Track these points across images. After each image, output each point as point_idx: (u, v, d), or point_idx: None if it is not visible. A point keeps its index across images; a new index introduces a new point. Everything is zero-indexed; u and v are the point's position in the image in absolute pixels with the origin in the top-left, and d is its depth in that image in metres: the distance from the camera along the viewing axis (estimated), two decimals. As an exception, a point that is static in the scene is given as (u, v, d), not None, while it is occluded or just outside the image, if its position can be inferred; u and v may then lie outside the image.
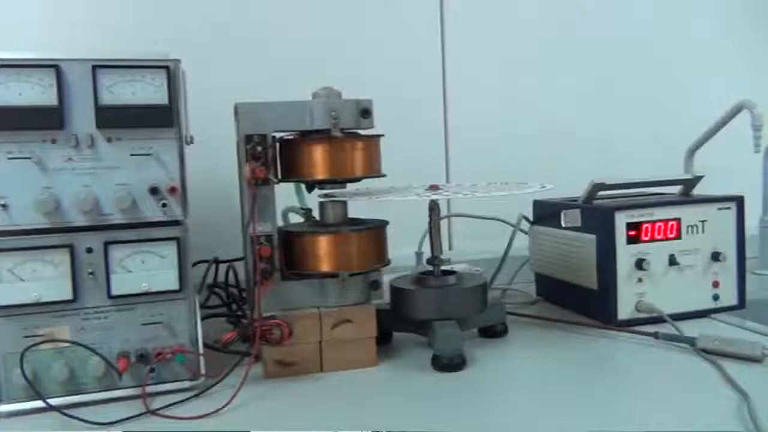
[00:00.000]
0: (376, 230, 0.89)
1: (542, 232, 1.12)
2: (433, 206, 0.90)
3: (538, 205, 1.15)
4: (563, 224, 1.03)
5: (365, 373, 0.83)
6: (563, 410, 0.70)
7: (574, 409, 0.70)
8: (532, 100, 1.40)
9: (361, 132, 0.88)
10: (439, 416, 0.70)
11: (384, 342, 0.92)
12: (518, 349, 0.91)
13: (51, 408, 0.73)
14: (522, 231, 1.19)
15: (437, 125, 1.35)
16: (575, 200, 1.05)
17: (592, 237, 0.99)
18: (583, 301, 1.02)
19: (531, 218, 1.16)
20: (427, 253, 0.99)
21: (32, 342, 0.75)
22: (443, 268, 0.92)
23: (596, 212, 0.99)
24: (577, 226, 1.01)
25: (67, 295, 0.76)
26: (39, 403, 0.74)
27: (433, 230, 0.91)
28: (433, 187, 0.93)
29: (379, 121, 0.88)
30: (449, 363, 0.82)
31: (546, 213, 1.12)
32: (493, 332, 0.95)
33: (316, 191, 0.92)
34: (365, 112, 0.86)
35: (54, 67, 0.74)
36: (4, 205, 0.74)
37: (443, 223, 1.29)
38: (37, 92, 0.74)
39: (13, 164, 0.74)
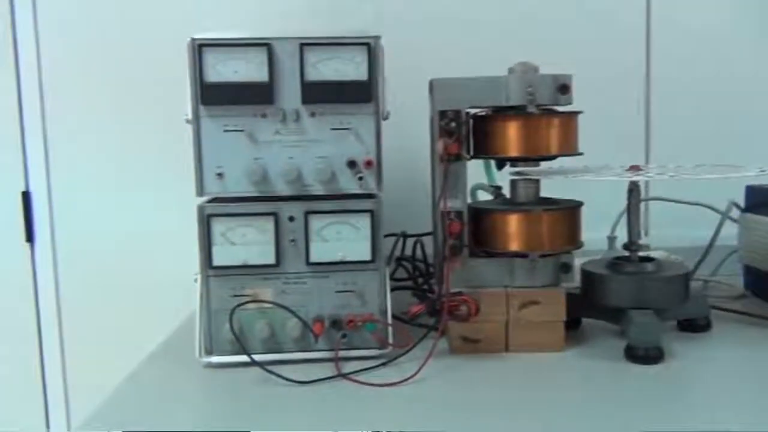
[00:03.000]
0: (569, 211, 0.86)
1: (756, 221, 1.03)
2: (633, 188, 0.86)
3: (751, 190, 1.05)
4: (782, 213, 0.94)
5: (551, 357, 0.82)
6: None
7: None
8: (748, 75, 1.28)
9: (559, 108, 0.85)
10: (627, 410, 0.67)
11: (572, 328, 0.89)
12: (723, 347, 0.85)
13: (254, 363, 0.79)
14: (731, 219, 1.10)
15: (638, 102, 1.28)
16: (797, 187, 0.96)
17: (817, 229, 0.89)
18: (801, 300, 0.93)
19: (742, 205, 1.07)
20: (620, 238, 0.95)
21: (240, 301, 0.81)
22: (640, 254, 0.88)
23: (824, 201, 0.89)
24: (799, 216, 0.92)
25: (271, 259, 0.81)
26: (243, 358, 0.80)
27: (632, 214, 0.86)
28: (634, 168, 0.88)
29: (575, 96, 0.84)
30: (645, 355, 0.78)
31: (761, 200, 1.03)
32: (695, 326, 0.90)
33: (506, 169, 0.91)
34: (563, 88, 0.83)
35: (266, 45, 0.79)
36: (219, 174, 0.81)
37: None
38: (250, 69, 0.79)
39: (228, 136, 0.81)
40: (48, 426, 1.29)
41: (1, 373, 1.27)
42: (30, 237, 1.28)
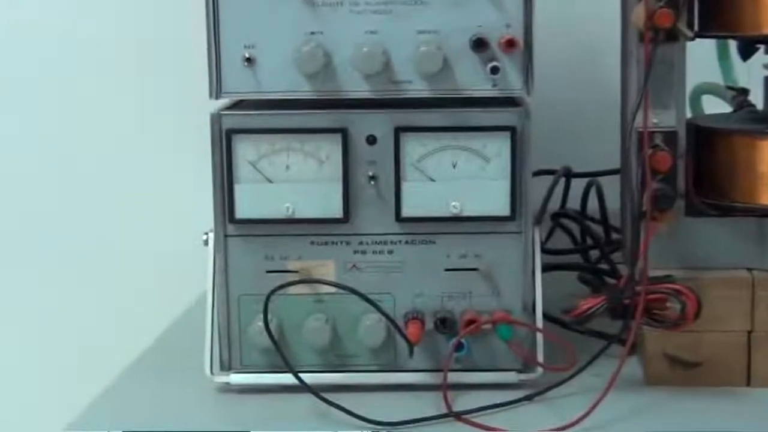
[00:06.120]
0: None
1: None
2: None
3: None
4: None
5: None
6: None
7: None
8: None
9: None
10: None
11: None
12: None
13: (303, 387, 0.78)
14: None
15: None
16: None
17: None
18: None
19: None
20: None
21: (281, 281, 0.81)
22: None
23: None
24: None
25: (335, 210, 0.81)
26: (285, 378, 0.80)
27: None
28: None
29: None
30: None
31: None
32: None
33: (757, 58, 0.89)
34: None
35: None
36: (249, 59, 0.80)
37: None
38: None
39: (265, -7, 0.80)
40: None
41: None
42: None
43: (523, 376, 0.82)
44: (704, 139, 0.86)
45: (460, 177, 0.81)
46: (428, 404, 0.78)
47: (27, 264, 1.33)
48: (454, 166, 0.81)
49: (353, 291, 0.80)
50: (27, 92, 1.32)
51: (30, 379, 1.32)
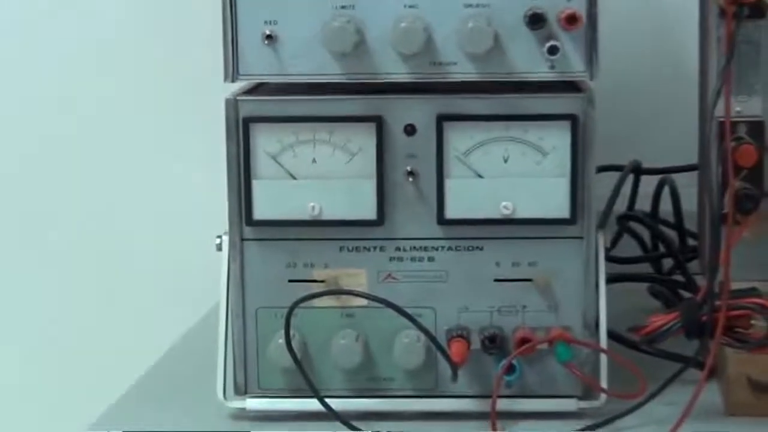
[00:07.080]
0: None
1: None
2: None
3: None
4: None
5: None
6: None
7: None
8: None
9: None
10: None
11: None
12: None
13: (331, 414, 0.79)
14: None
15: None
16: None
17: None
18: None
19: None
20: None
21: (304, 291, 0.81)
22: None
23: None
24: None
25: (368, 211, 0.81)
26: (310, 404, 0.80)
27: None
28: None
29: None
30: None
31: None
32: None
33: None
34: None
35: None
36: (269, 36, 0.80)
37: None
38: None
39: (288, -36, 0.80)
40: None
41: None
42: None
43: (583, 404, 0.82)
44: (796, 130, 0.85)
45: (513, 173, 0.81)
46: (473, 434, 0.78)
47: (29, 267, 1.34)
48: (505, 161, 0.81)
49: (388, 304, 0.80)
50: (27, 91, 1.33)
51: (29, 394, 1.33)
